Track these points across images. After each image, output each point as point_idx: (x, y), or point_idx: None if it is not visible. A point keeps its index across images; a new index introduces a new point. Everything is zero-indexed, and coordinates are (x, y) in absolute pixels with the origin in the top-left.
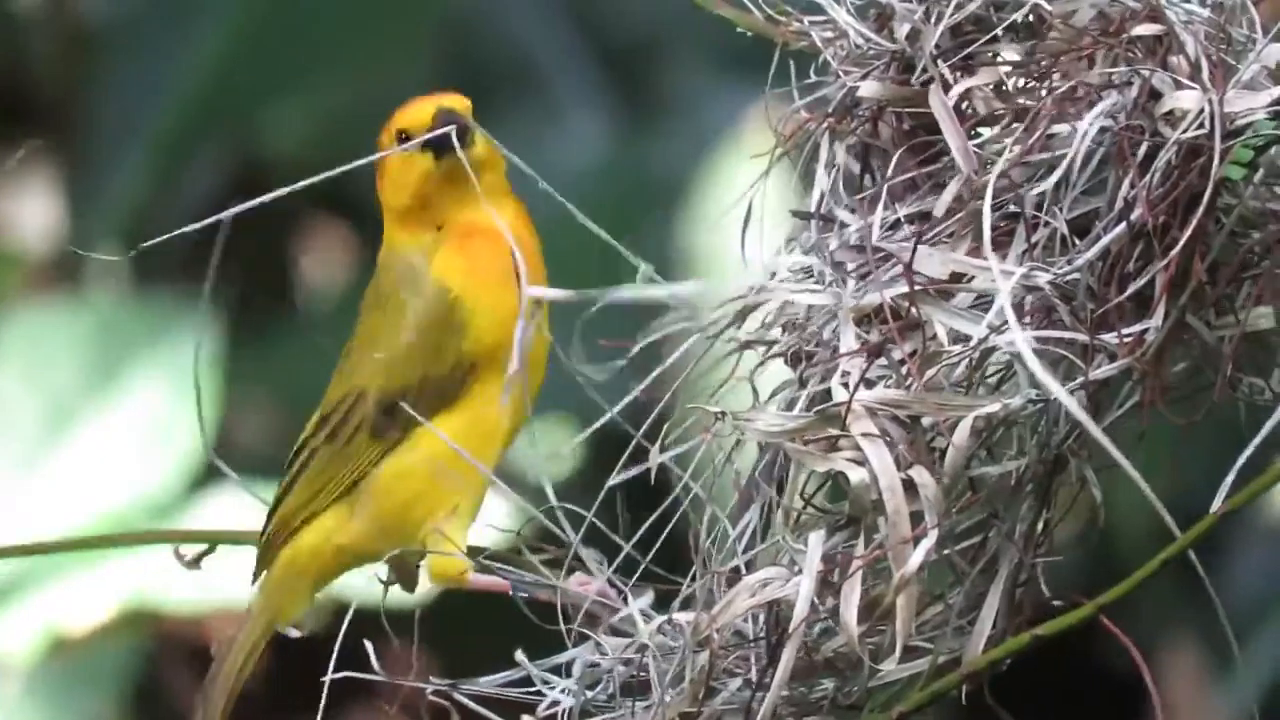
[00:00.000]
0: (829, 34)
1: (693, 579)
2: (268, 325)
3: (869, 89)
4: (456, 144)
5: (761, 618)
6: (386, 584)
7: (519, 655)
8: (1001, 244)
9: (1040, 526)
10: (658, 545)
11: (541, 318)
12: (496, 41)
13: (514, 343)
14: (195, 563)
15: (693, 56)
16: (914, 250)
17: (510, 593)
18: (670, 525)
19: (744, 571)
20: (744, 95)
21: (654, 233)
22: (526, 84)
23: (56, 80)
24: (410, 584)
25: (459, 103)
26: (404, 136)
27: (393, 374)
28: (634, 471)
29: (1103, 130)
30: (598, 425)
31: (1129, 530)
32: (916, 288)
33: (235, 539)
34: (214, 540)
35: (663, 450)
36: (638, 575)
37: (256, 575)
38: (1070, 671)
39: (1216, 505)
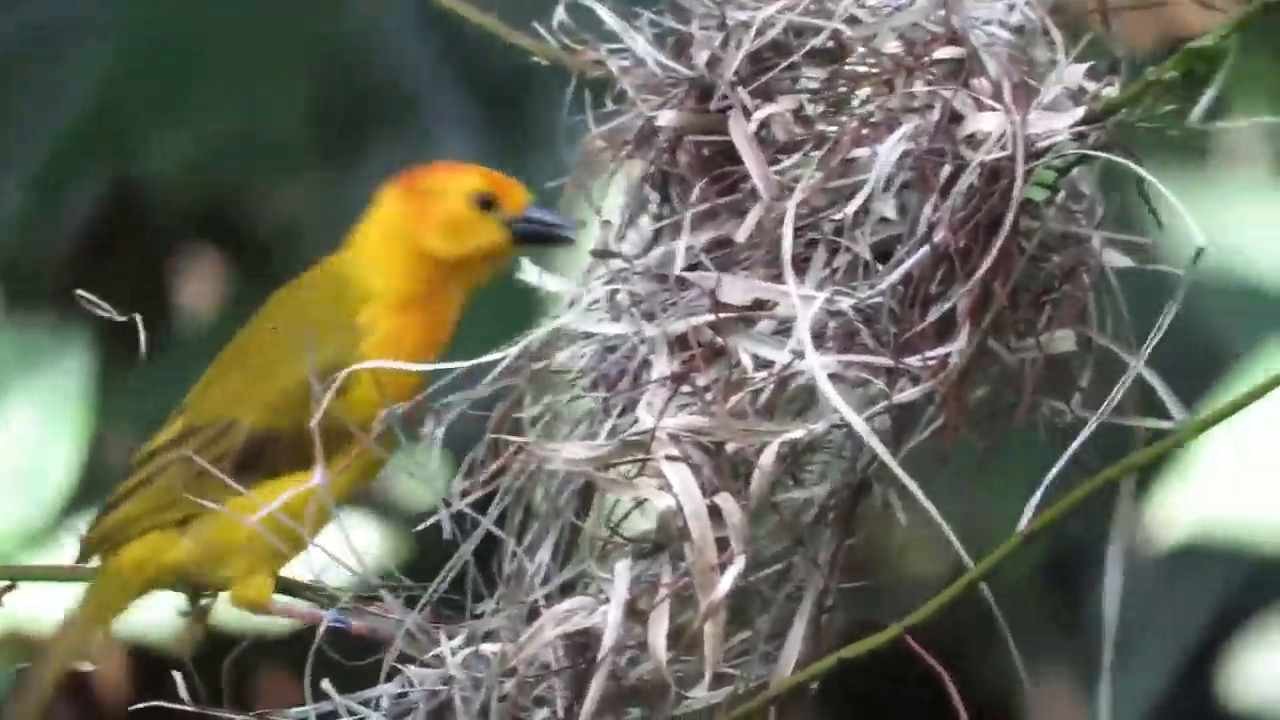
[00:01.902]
0: (625, 62)
1: (497, 610)
2: (145, 349)
3: (667, 118)
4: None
5: (564, 649)
6: (183, 614)
7: (325, 685)
8: (804, 269)
9: (844, 552)
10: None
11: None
12: (374, 70)
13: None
14: None
15: (563, 86)
16: (717, 278)
17: (307, 621)
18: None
19: (543, 603)
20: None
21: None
22: (404, 110)
23: None
24: (201, 618)
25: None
26: (487, 199)
27: (271, 414)
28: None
29: (904, 154)
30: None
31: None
32: (720, 315)
33: (42, 575)
34: (16, 577)
35: (470, 485)
36: (423, 605)
37: (81, 558)
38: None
39: (1021, 527)
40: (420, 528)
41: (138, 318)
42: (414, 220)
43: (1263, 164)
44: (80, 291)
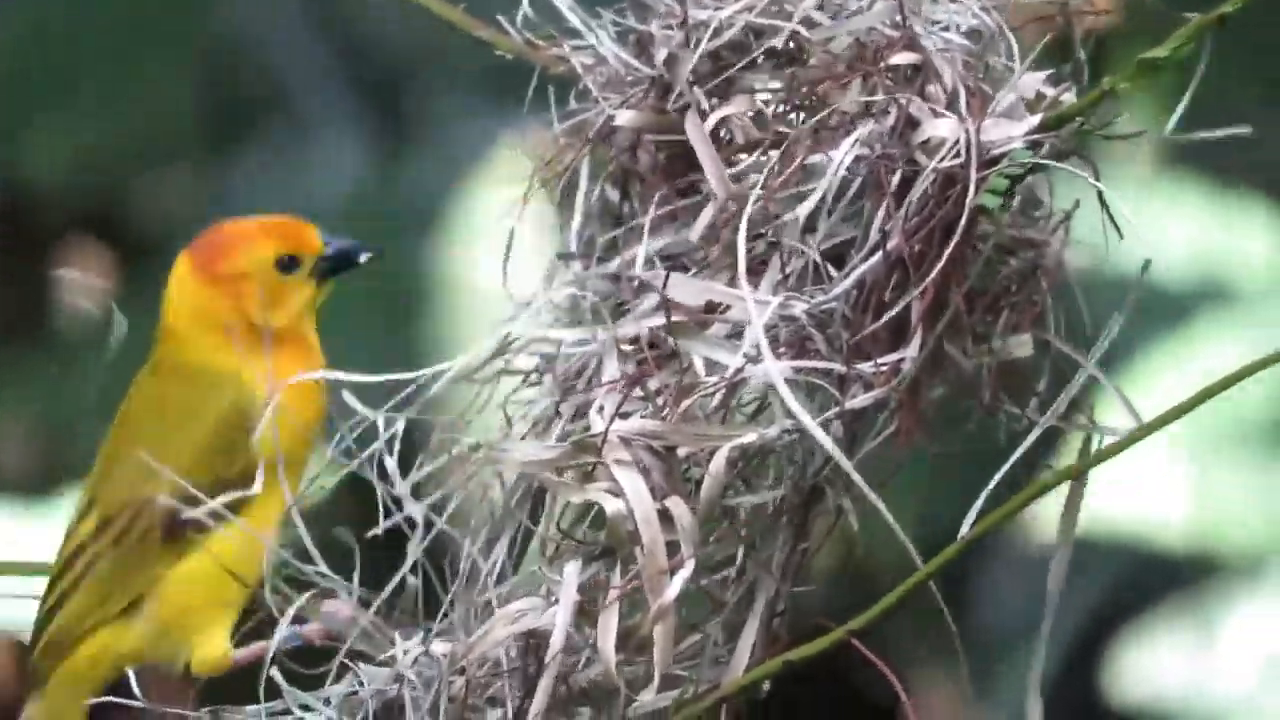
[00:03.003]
0: (588, 60)
1: (446, 612)
2: (26, 348)
3: (627, 117)
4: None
5: (515, 649)
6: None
7: (275, 675)
8: (758, 273)
9: (797, 556)
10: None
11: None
12: (255, 66)
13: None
14: None
15: (447, 80)
16: (666, 279)
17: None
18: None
19: (495, 604)
20: (499, 119)
21: (407, 257)
22: (284, 109)
23: None
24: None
25: (306, 227)
26: (288, 260)
27: (184, 476)
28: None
29: (859, 159)
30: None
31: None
32: (673, 318)
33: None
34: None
35: (419, 485)
36: (376, 605)
37: (33, 682)
38: (830, 699)
39: (964, 532)
40: (376, 532)
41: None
42: (229, 306)
43: (1145, 160)
44: (66, 270)
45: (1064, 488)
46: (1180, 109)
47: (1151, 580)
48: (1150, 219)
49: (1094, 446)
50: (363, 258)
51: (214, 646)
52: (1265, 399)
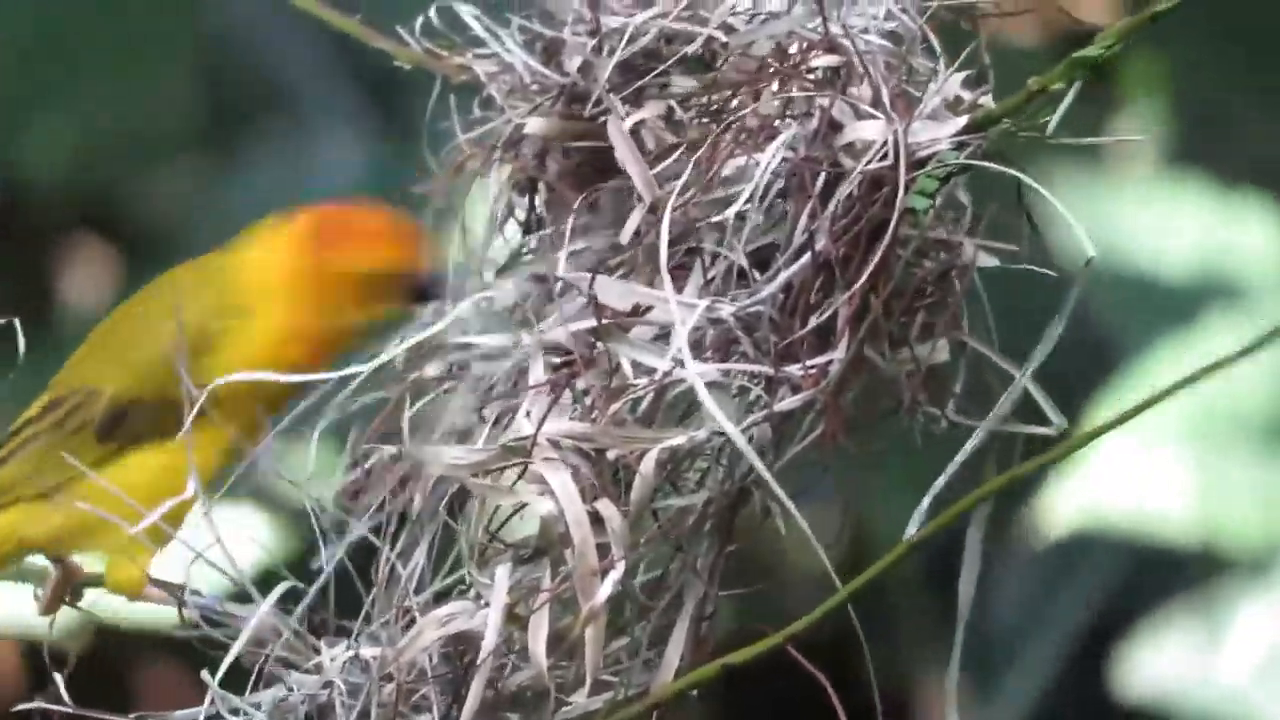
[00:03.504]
0: (492, 68)
1: (368, 617)
2: (29, 346)
3: (536, 125)
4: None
5: (438, 655)
6: (39, 599)
7: (206, 676)
8: (683, 277)
9: (724, 559)
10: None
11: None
12: (256, 63)
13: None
14: None
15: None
16: (593, 281)
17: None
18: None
19: (417, 609)
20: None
21: None
22: (285, 105)
23: None
24: (54, 602)
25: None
26: (387, 279)
27: (135, 380)
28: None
29: (782, 162)
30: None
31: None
32: (600, 320)
33: None
34: None
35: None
36: (300, 611)
37: None
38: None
39: (908, 535)
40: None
41: (16, 322)
42: (318, 291)
43: (1149, 159)
44: None
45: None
46: (1062, 109)
47: (1157, 576)
48: (1154, 217)
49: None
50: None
51: (131, 568)
52: (1271, 395)
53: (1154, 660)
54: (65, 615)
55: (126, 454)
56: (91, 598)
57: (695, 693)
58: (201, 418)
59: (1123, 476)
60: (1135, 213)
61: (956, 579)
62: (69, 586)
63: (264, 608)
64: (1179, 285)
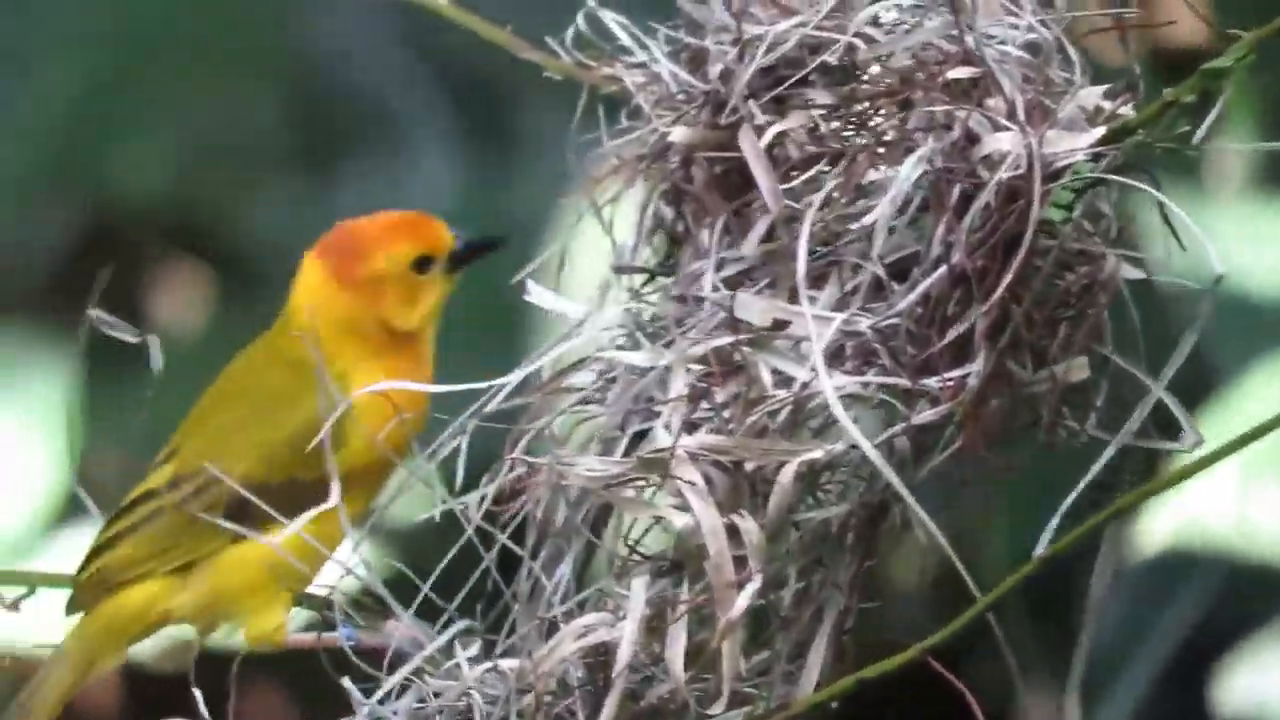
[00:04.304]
0: (640, 78)
1: (513, 628)
2: (123, 365)
3: (680, 134)
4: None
5: (582, 666)
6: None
7: (349, 684)
8: (820, 289)
9: (864, 572)
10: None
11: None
12: (351, 83)
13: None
14: (14, 606)
15: (545, 97)
16: (733, 298)
17: (320, 646)
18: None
19: (561, 619)
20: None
21: (507, 274)
22: (381, 125)
23: None
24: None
25: (436, 223)
26: (424, 260)
27: (263, 466)
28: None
29: (921, 174)
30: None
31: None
32: (739, 336)
33: (54, 582)
34: (33, 583)
35: (486, 501)
36: (443, 622)
37: (71, 609)
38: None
39: (1040, 550)
40: (453, 553)
41: (155, 338)
42: (366, 309)
43: (1247, 180)
44: (95, 311)
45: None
46: (1209, 121)
47: (1256, 593)
48: (1248, 235)
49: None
50: (494, 242)
51: (269, 621)
52: None
53: (1253, 677)
54: (162, 637)
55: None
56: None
57: (834, 704)
58: (342, 489)
59: (1221, 493)
60: (1230, 230)
61: (1057, 595)
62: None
63: (404, 619)
64: (1273, 304)
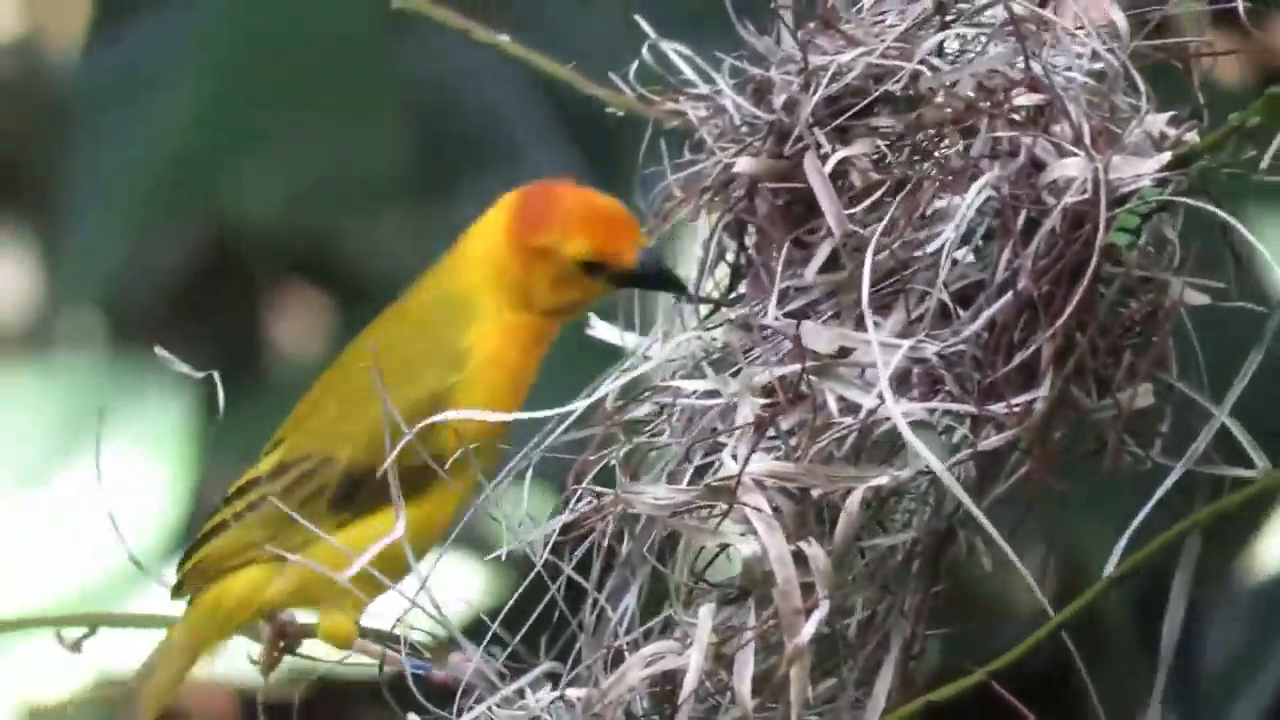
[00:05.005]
0: (704, 111)
1: (577, 658)
2: (242, 392)
3: (745, 164)
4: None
5: (649, 696)
6: (254, 661)
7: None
8: (883, 315)
9: (930, 598)
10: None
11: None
12: (467, 108)
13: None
14: (76, 647)
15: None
16: (801, 326)
17: (382, 665)
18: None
19: (627, 648)
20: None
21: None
22: (497, 152)
23: (27, 147)
24: (272, 659)
25: (630, 232)
26: (596, 266)
27: (367, 449)
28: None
29: (986, 200)
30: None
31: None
32: (806, 365)
33: (120, 621)
34: (96, 623)
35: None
36: (506, 654)
37: (176, 594)
38: None
39: (1108, 571)
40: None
41: (216, 375)
42: (521, 270)
43: None
44: (158, 349)
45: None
46: (1276, 144)
47: None
48: None
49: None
50: (663, 287)
51: (343, 620)
52: None
53: None
54: (284, 664)
55: (361, 518)
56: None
57: None
58: (434, 479)
59: None
60: None
61: (1159, 616)
62: (281, 643)
63: (476, 659)
64: None
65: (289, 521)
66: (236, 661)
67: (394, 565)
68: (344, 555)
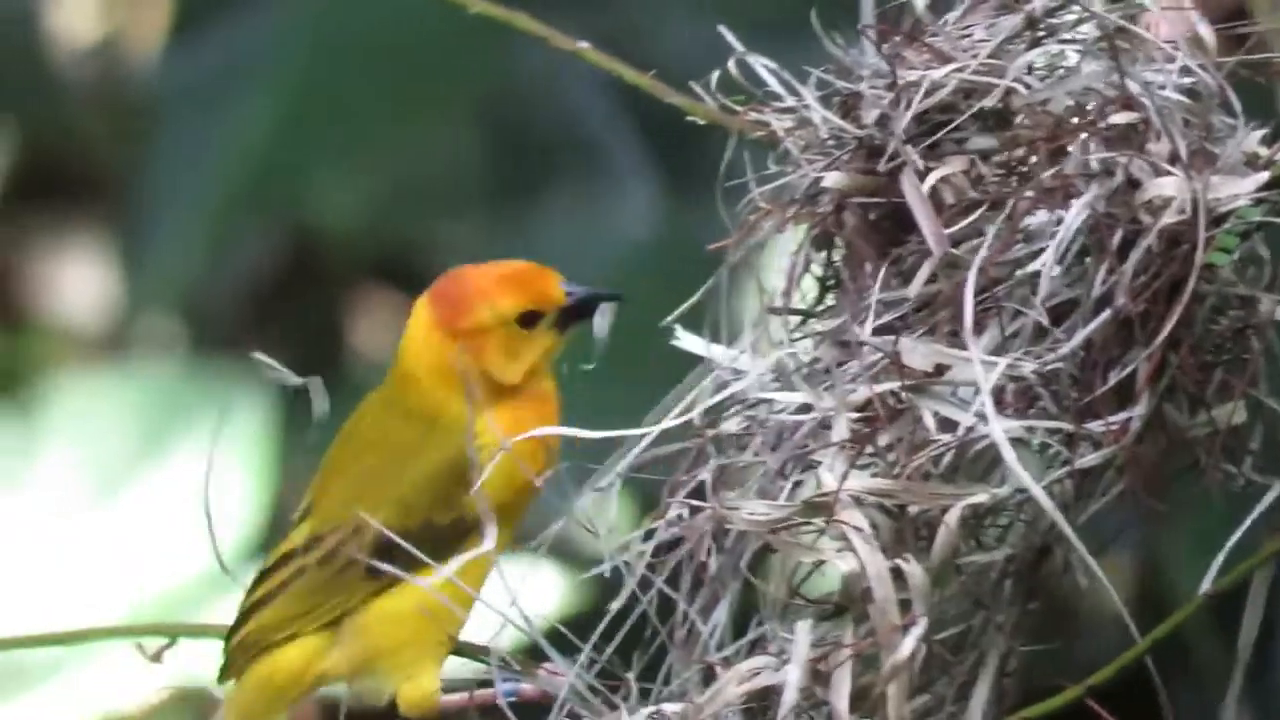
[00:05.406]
0: (789, 122)
1: (669, 675)
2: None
3: (834, 179)
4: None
5: (742, 713)
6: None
7: None
8: (978, 332)
9: (1027, 615)
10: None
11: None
12: (546, 112)
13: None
14: (157, 657)
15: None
16: (898, 342)
17: (475, 704)
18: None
19: (720, 664)
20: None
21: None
22: (577, 159)
23: (108, 151)
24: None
25: (548, 277)
26: (530, 316)
27: (401, 512)
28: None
29: (1082, 219)
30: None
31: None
32: (904, 382)
33: (200, 632)
34: (176, 634)
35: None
36: (597, 667)
37: (223, 677)
38: None
39: (1204, 588)
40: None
41: (318, 380)
42: (469, 360)
43: None
44: (258, 354)
45: None
46: None
47: None
48: None
49: None
50: (603, 306)
51: (420, 685)
52: None
53: None
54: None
55: (400, 583)
56: None
57: None
58: (465, 540)
59: None
60: None
61: (1261, 638)
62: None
63: (570, 674)
64: None
65: (332, 588)
66: None
67: (457, 605)
68: (415, 601)
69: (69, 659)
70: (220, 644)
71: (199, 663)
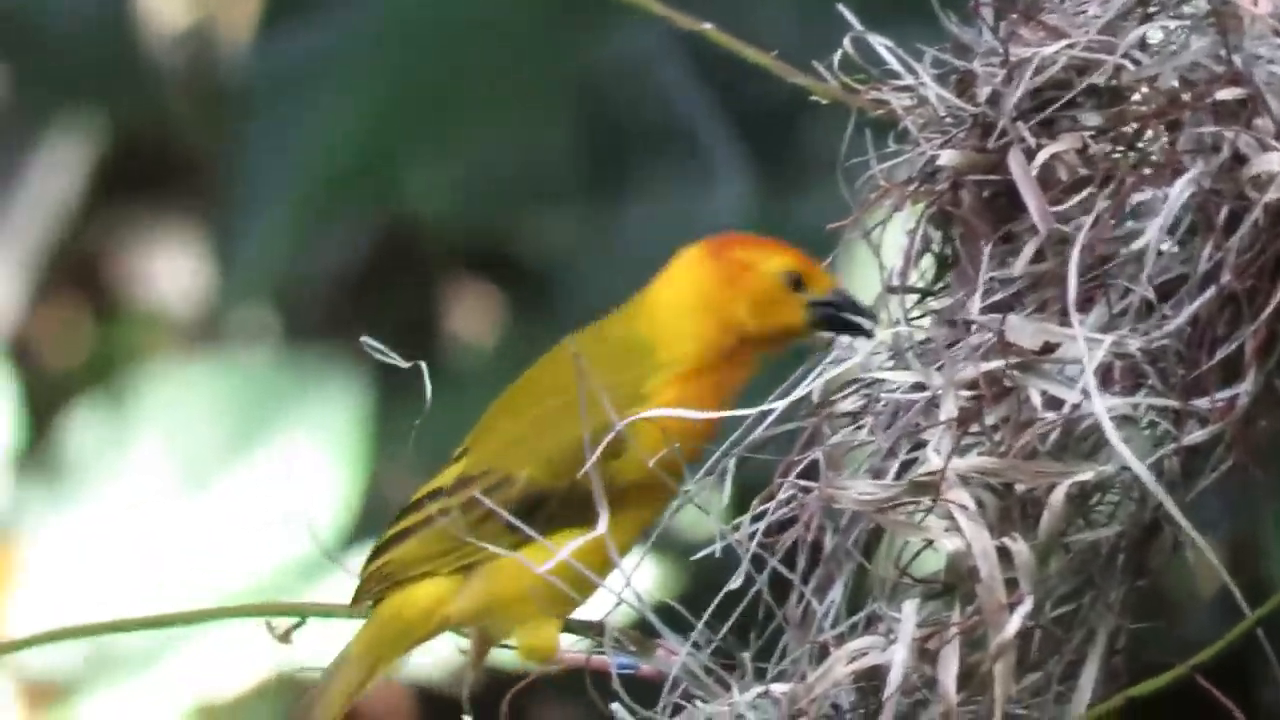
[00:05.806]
0: (908, 101)
1: (783, 653)
2: (415, 384)
3: (949, 156)
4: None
5: (854, 692)
6: (463, 653)
7: (620, 711)
8: (1085, 309)
9: (1135, 592)
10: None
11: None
12: (638, 100)
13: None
14: (286, 637)
15: (832, 114)
16: (1005, 320)
17: (591, 667)
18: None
19: (833, 643)
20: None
21: None
22: (668, 144)
23: (199, 140)
24: (479, 659)
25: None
26: (798, 281)
27: (548, 471)
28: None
29: (1189, 196)
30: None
31: None
32: (1010, 359)
33: (327, 611)
34: (304, 613)
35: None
36: (712, 646)
37: (355, 600)
38: None
39: None
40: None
41: (423, 365)
42: (723, 289)
43: None
44: (365, 339)
45: None
46: None
47: None
48: None
49: None
50: (864, 324)
51: (543, 637)
52: None
53: None
54: (455, 658)
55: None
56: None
57: None
58: (617, 504)
59: None
60: None
61: None
62: (486, 652)
63: (682, 656)
64: None
65: (472, 531)
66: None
67: (578, 578)
68: (543, 556)
69: (162, 648)
70: (318, 623)
71: (291, 651)
